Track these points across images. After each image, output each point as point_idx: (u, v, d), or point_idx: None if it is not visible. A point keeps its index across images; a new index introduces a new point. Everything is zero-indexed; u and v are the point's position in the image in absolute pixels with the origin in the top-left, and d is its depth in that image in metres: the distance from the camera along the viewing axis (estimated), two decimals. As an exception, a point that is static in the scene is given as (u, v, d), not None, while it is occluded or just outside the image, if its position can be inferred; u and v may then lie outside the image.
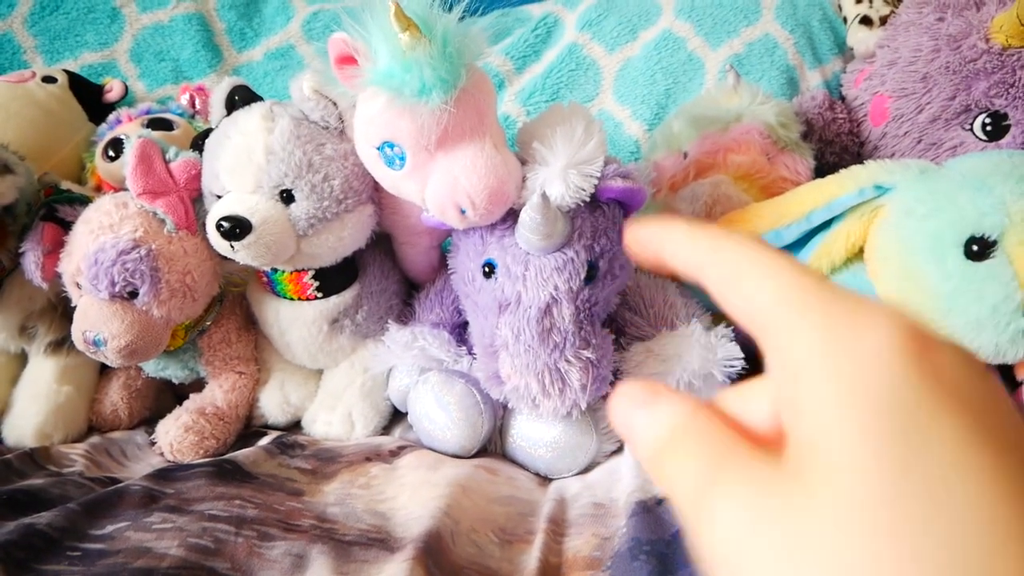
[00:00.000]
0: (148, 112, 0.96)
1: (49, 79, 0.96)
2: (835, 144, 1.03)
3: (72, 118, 0.96)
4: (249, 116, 0.70)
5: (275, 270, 0.76)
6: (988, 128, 0.89)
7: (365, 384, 0.80)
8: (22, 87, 0.94)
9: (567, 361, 0.64)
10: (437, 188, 0.63)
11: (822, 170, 0.99)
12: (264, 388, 0.83)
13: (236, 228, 0.67)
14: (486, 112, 0.64)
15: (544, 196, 0.60)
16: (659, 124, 1.04)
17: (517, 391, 0.65)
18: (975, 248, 0.61)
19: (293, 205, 0.69)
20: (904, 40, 0.97)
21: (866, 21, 1.05)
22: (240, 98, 0.74)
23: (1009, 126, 0.88)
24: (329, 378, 0.83)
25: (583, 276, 0.66)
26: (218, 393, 0.80)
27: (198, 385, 0.83)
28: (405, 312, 0.84)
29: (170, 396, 0.89)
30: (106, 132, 0.94)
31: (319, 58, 1.17)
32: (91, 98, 0.99)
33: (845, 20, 1.10)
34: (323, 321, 0.78)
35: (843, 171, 0.73)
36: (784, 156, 0.88)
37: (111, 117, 0.95)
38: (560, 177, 0.63)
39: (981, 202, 0.62)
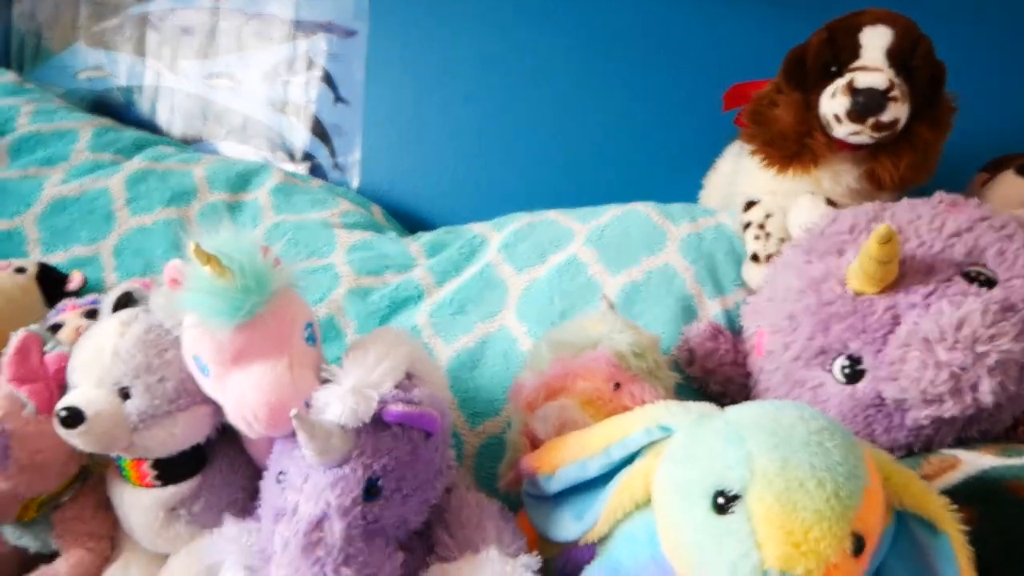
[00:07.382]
0: (94, 303, 1.10)
1: (20, 270, 1.13)
2: (717, 373, 1.05)
3: (31, 304, 1.11)
4: (112, 319, 0.81)
5: (120, 456, 0.83)
6: (847, 371, 0.89)
7: (200, 574, 0.83)
8: (-7, 276, 1.11)
9: (327, 577, 0.66)
10: (230, 400, 0.71)
11: (712, 399, 1.00)
12: (110, 568, 0.87)
13: (70, 417, 0.75)
14: (288, 334, 0.72)
15: (298, 415, 0.66)
16: (545, 344, 1.09)
17: (281, 602, 0.67)
18: (720, 501, 0.61)
19: (128, 401, 0.77)
20: (781, 279, 1.01)
21: (755, 258, 1.10)
22: (126, 303, 0.86)
23: (865, 371, 0.88)
24: (171, 564, 0.87)
25: (360, 493, 0.69)
26: (62, 568, 0.85)
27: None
28: (253, 506, 0.87)
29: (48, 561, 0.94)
30: (51, 318, 1.08)
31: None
32: (54, 287, 1.15)
33: (748, 255, 1.15)
34: (159, 508, 0.83)
35: (639, 408, 0.75)
36: (633, 384, 0.90)
37: (59, 305, 1.10)
38: (338, 398, 0.69)
39: (731, 454, 0.61)
